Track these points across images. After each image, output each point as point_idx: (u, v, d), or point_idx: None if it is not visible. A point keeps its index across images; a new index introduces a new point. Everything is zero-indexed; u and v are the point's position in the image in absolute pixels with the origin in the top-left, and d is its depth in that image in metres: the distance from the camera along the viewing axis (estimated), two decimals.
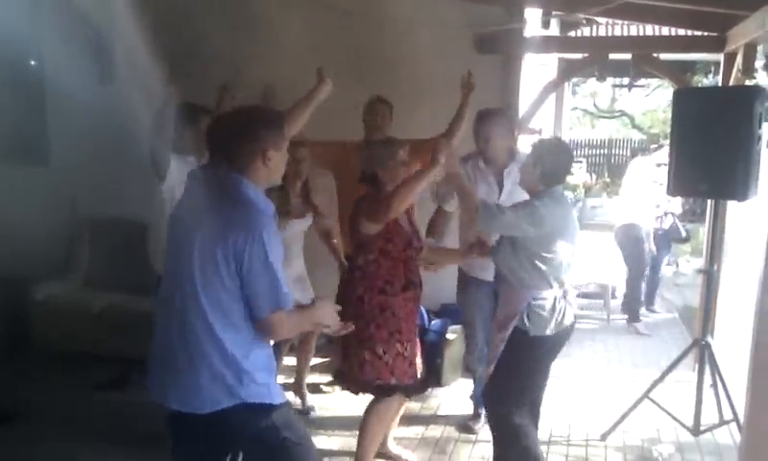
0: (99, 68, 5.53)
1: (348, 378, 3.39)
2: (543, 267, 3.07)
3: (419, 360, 3.39)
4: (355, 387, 3.40)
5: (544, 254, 3.05)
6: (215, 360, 2.19)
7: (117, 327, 4.87)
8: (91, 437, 3.81)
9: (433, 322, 4.96)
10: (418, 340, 3.42)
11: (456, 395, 4.68)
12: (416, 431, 4.16)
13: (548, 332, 3.10)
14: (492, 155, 3.84)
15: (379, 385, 3.29)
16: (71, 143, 5.62)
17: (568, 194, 12.80)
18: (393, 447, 3.77)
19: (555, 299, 3.10)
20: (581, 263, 7.56)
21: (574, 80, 13.73)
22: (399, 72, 5.21)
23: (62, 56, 5.45)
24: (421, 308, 4.39)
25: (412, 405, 4.46)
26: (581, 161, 14.67)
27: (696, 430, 3.94)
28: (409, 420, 4.27)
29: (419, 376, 3.38)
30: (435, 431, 4.19)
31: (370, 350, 3.24)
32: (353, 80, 5.22)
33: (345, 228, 3.91)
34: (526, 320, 3.08)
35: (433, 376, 4.62)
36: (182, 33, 5.03)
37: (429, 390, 4.48)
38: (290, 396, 4.30)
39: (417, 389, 3.46)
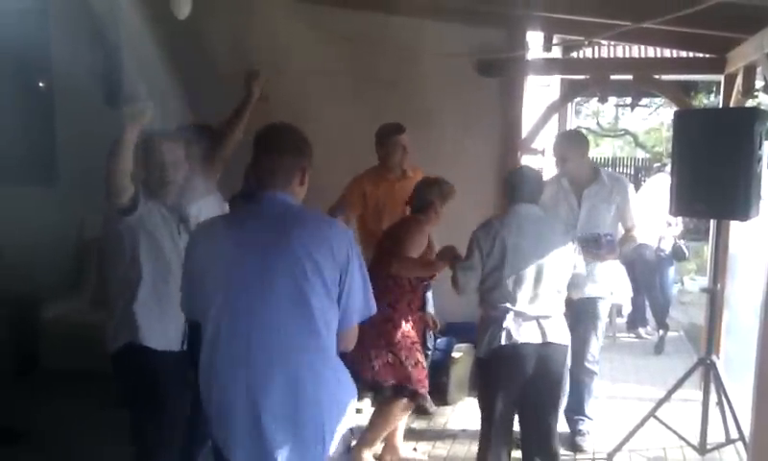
0: (108, 90, 5.61)
1: (363, 378, 3.51)
2: (483, 285, 3.19)
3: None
4: (369, 385, 3.60)
5: (484, 272, 3.16)
6: (321, 391, 2.09)
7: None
8: (101, 456, 3.83)
9: (438, 340, 4.98)
10: None
11: (462, 414, 4.69)
12: (423, 449, 4.17)
13: (481, 354, 3.19)
14: (570, 175, 4.03)
15: (394, 385, 3.54)
16: (80, 164, 5.67)
17: None
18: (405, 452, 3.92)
19: (492, 319, 3.14)
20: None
21: (577, 99, 13.82)
22: (401, 95, 5.26)
23: (72, 77, 5.54)
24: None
25: (418, 424, 4.50)
26: None
27: (702, 449, 3.94)
28: (416, 438, 4.30)
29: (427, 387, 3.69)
30: (441, 450, 4.20)
31: (394, 354, 3.52)
32: (354, 102, 5.32)
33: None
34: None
35: (439, 395, 4.68)
36: (193, 55, 5.12)
37: (435, 408, 4.53)
38: None
39: (423, 398, 3.76)
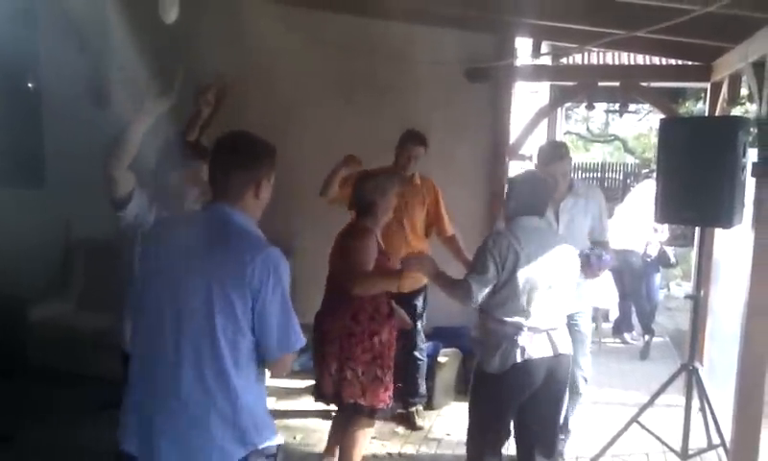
0: (95, 91, 5.60)
1: (324, 393, 3.51)
2: (493, 299, 3.07)
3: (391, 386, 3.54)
4: (329, 400, 3.54)
5: (496, 287, 3.04)
6: (227, 409, 2.04)
7: (112, 348, 4.89)
8: (87, 458, 3.82)
9: (424, 345, 4.99)
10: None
11: (447, 418, 4.71)
12: (408, 454, 4.19)
13: (493, 370, 3.07)
14: (555, 188, 3.74)
15: (352, 403, 3.43)
16: (67, 165, 5.68)
17: None
18: None
19: (504, 334, 3.05)
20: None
21: (567, 105, 13.89)
22: (390, 99, 5.30)
23: (59, 79, 5.53)
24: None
25: (403, 428, 4.51)
26: None
27: (684, 454, 3.97)
28: (401, 441, 4.31)
29: (389, 402, 3.53)
30: (426, 454, 4.22)
31: (352, 370, 3.39)
32: (345, 107, 5.34)
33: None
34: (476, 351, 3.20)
35: (425, 399, 4.70)
36: (180, 57, 5.11)
37: (423, 421, 4.55)
38: None
39: (385, 413, 3.59)
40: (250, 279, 2.00)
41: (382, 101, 5.35)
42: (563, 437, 4.12)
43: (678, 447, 3.98)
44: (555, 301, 3.11)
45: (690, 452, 3.96)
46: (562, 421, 3.71)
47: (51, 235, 5.80)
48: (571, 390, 3.85)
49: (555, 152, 3.91)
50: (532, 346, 3.04)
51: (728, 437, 3.68)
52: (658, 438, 4.03)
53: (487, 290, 3.04)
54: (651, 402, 4.03)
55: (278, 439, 2.20)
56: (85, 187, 5.60)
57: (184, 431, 2.05)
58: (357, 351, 3.39)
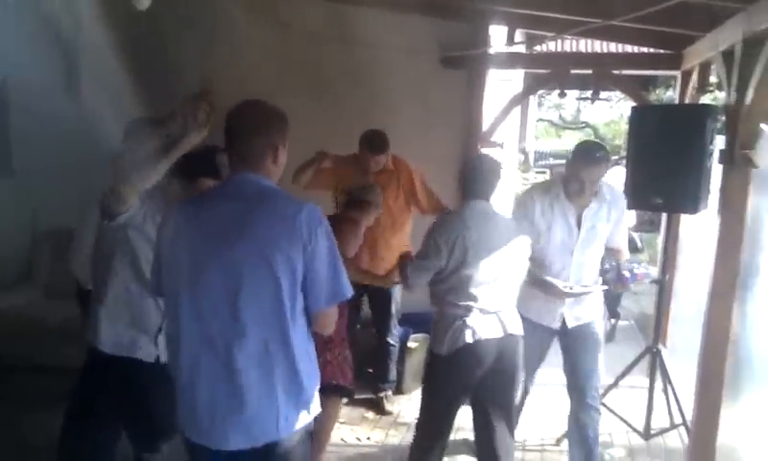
0: (64, 79, 5.49)
1: None
2: (443, 284, 3.13)
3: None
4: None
5: (445, 272, 3.10)
6: (289, 373, 2.08)
7: (79, 338, 4.82)
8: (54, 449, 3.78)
9: (397, 330, 5.02)
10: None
11: (417, 403, 4.74)
12: (376, 438, 4.23)
13: (443, 352, 3.11)
14: (581, 193, 3.48)
15: (335, 385, 3.45)
16: (35, 154, 5.56)
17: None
18: None
19: (454, 316, 3.09)
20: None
21: (540, 92, 13.99)
22: (364, 87, 5.29)
23: (27, 66, 5.40)
24: None
25: (373, 413, 4.55)
26: (545, 171, 14.94)
27: (647, 434, 4.08)
28: (370, 426, 4.35)
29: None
30: (395, 438, 4.26)
31: (330, 351, 3.39)
32: (321, 95, 5.31)
33: None
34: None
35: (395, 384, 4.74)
36: (150, 45, 5.05)
37: (393, 406, 4.61)
38: None
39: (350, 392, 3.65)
40: (299, 233, 2.03)
41: (356, 89, 5.33)
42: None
43: (641, 427, 4.10)
44: (505, 283, 3.15)
45: (653, 432, 4.08)
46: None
47: (19, 224, 5.72)
48: (582, 417, 3.69)
49: (590, 155, 3.46)
50: (481, 327, 3.08)
51: (689, 417, 3.79)
52: (621, 418, 4.13)
53: (427, 275, 3.13)
54: (615, 384, 4.12)
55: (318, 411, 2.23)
56: (54, 176, 5.56)
57: (248, 402, 2.05)
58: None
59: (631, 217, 6.60)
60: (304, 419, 2.14)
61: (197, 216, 2.14)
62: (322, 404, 3.57)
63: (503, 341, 3.13)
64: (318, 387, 2.20)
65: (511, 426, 3.31)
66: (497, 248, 3.10)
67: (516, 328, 3.20)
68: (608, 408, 4.12)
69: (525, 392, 3.88)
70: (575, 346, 3.60)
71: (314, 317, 2.15)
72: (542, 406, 4.73)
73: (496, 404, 3.23)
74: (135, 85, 3.71)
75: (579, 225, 3.49)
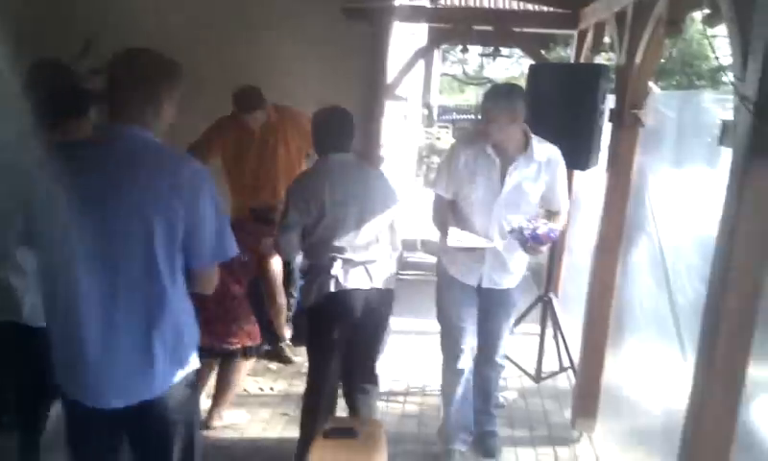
0: None
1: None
2: (308, 240, 3.14)
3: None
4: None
5: (309, 227, 3.12)
6: (167, 330, 2.01)
7: None
8: None
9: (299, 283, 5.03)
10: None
11: None
12: (279, 388, 4.28)
13: (311, 304, 3.15)
14: (496, 140, 3.21)
15: (244, 348, 3.65)
16: None
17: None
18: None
19: (320, 268, 3.12)
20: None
21: (444, 47, 14.11)
22: (262, 40, 5.17)
23: None
24: None
25: (276, 364, 4.58)
26: (448, 126, 15.17)
27: (538, 377, 4.32)
28: (273, 377, 4.38)
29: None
30: (298, 387, 4.30)
31: (235, 320, 3.58)
32: (217, 46, 5.14)
33: None
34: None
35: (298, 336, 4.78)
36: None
37: (297, 357, 4.64)
38: None
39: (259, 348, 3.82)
40: (181, 191, 1.96)
41: (255, 41, 5.20)
42: (494, 431, 3.73)
43: (533, 370, 4.33)
44: (370, 234, 3.15)
45: (543, 375, 4.32)
46: (486, 411, 3.69)
47: None
48: (488, 372, 3.66)
49: (498, 93, 3.23)
50: (346, 277, 3.08)
51: (577, 360, 4.04)
52: (515, 363, 4.34)
53: (294, 234, 3.12)
54: (510, 331, 4.31)
55: (197, 364, 2.18)
56: None
57: (123, 359, 1.99)
58: (234, 303, 3.55)
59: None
60: (181, 374, 2.08)
61: (75, 166, 1.97)
62: (233, 367, 3.67)
63: (370, 293, 3.13)
64: (197, 343, 2.16)
65: (372, 373, 3.38)
66: (359, 199, 3.10)
67: (386, 283, 3.20)
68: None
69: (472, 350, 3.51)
70: (488, 307, 3.47)
71: (196, 275, 2.11)
72: (425, 353, 4.91)
73: (359, 352, 3.29)
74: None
75: (503, 181, 3.23)
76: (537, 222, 3.14)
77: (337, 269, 3.07)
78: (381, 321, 3.29)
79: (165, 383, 2.04)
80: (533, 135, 3.25)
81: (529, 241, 3.11)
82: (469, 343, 3.45)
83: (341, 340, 3.18)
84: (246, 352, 3.67)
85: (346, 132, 3.18)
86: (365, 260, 3.13)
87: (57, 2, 5.05)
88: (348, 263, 3.09)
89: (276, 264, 3.58)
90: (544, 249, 3.26)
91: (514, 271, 3.42)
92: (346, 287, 3.08)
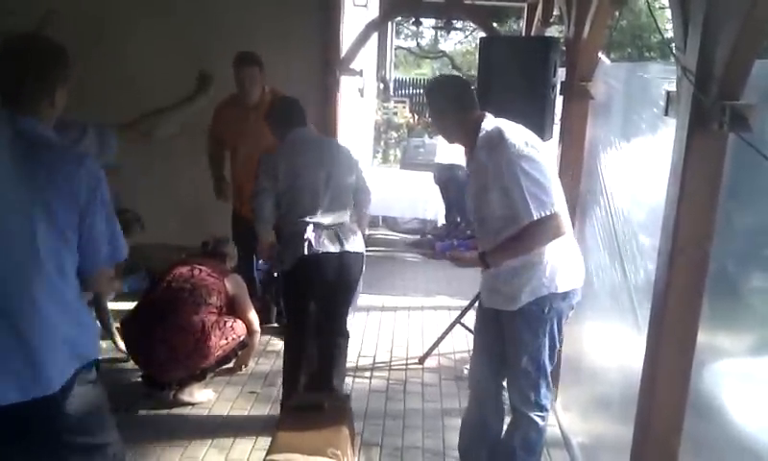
0: None
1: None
2: (281, 209, 3.43)
3: None
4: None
5: (279, 195, 3.41)
6: (61, 322, 1.94)
7: None
8: None
9: (260, 261, 5.02)
10: None
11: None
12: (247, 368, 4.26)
13: (287, 267, 3.41)
14: (447, 140, 2.95)
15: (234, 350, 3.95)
16: None
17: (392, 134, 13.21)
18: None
19: (293, 234, 3.35)
20: (402, 200, 8.00)
21: (398, 20, 14.01)
22: (215, 11, 5.08)
23: None
24: None
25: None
26: (404, 101, 15.12)
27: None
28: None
29: None
30: (264, 366, 4.31)
31: (220, 329, 3.81)
32: (163, 19, 5.03)
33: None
34: None
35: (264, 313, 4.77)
36: None
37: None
38: None
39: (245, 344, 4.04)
40: (77, 191, 1.89)
41: (205, 13, 5.11)
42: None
43: None
44: (338, 199, 3.42)
45: None
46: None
47: None
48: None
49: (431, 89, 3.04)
50: (318, 241, 3.32)
51: None
52: (471, 330, 4.39)
53: (267, 202, 3.40)
54: (471, 306, 4.36)
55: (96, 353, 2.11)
56: None
57: (16, 349, 1.89)
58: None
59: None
60: (72, 371, 1.98)
61: None
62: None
63: (342, 256, 3.38)
64: (94, 340, 2.11)
65: (345, 333, 3.63)
66: (324, 164, 3.39)
67: (356, 246, 3.44)
68: (466, 327, 4.36)
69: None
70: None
71: (91, 279, 2.05)
72: (409, 329, 4.96)
73: (335, 308, 3.54)
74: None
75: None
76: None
77: (309, 233, 3.29)
78: (352, 282, 3.50)
79: (54, 382, 1.93)
80: (488, 126, 2.66)
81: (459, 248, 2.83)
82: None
83: (316, 299, 3.43)
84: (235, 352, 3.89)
85: (297, 110, 3.50)
86: (334, 223, 3.38)
87: None
88: (319, 227, 3.33)
89: None
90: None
91: (504, 291, 2.72)
92: (318, 250, 3.30)
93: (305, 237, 3.28)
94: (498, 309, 2.75)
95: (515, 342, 2.72)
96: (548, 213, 2.47)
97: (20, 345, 1.89)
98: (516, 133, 2.59)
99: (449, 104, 2.73)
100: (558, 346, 2.79)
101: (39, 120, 1.95)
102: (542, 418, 2.77)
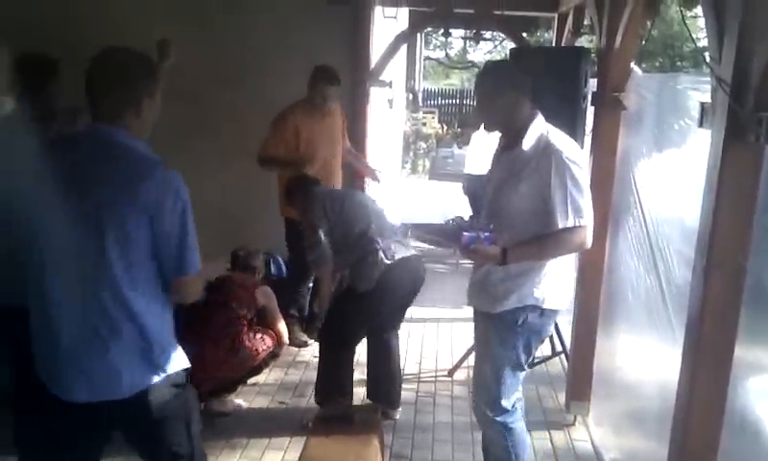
0: None
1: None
2: (346, 242, 3.64)
3: None
4: None
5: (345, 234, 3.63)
6: (132, 335, 1.99)
7: None
8: None
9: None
10: None
11: (315, 346, 4.82)
12: (275, 377, 4.27)
13: (370, 287, 3.54)
14: (488, 127, 2.79)
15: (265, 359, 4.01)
16: None
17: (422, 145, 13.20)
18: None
19: (364, 256, 3.54)
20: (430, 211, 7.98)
21: (426, 31, 14.04)
22: (244, 25, 5.14)
23: None
24: (279, 259, 4.90)
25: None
26: (433, 111, 15.12)
27: (530, 363, 4.31)
28: (280, 365, 4.38)
29: None
30: (294, 376, 4.32)
31: (249, 338, 3.88)
32: (198, 29, 5.10)
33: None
34: None
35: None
36: None
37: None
38: None
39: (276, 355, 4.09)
40: (144, 198, 1.93)
41: (238, 23, 5.17)
42: None
43: None
44: (379, 216, 3.71)
45: (536, 360, 4.29)
46: None
47: None
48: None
49: (480, 71, 2.87)
50: (390, 252, 3.53)
51: (569, 345, 4.05)
52: None
53: (326, 248, 3.63)
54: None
55: (185, 364, 2.17)
56: None
57: (92, 361, 1.99)
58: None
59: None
60: (153, 379, 2.05)
61: (54, 164, 1.99)
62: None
63: (415, 258, 3.66)
64: (172, 348, 2.13)
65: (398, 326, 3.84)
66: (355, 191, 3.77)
67: (410, 250, 3.69)
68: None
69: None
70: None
71: (172, 287, 2.08)
72: (437, 341, 4.93)
73: (400, 318, 3.83)
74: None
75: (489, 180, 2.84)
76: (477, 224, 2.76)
77: (381, 246, 3.52)
78: (419, 281, 3.72)
79: (134, 386, 2.01)
80: (539, 127, 2.59)
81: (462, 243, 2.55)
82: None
83: (398, 301, 3.67)
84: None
85: None
86: (390, 236, 3.63)
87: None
88: (383, 241, 3.56)
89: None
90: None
91: (491, 291, 2.67)
92: (396, 258, 3.53)
93: (379, 251, 3.49)
94: (478, 309, 2.77)
95: (480, 344, 2.81)
96: (581, 223, 2.47)
97: (96, 347, 1.98)
98: (566, 141, 2.59)
99: (504, 88, 2.60)
100: (523, 362, 2.76)
101: (125, 129, 2.01)
102: (503, 424, 2.78)
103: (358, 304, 3.59)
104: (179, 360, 2.14)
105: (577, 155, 2.57)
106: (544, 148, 2.52)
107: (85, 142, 2.03)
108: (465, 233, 2.52)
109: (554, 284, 2.61)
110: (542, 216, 2.50)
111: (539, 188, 2.49)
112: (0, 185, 1.97)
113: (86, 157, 1.98)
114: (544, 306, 2.61)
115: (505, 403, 2.76)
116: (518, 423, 2.84)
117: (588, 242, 2.53)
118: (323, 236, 3.62)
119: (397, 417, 3.84)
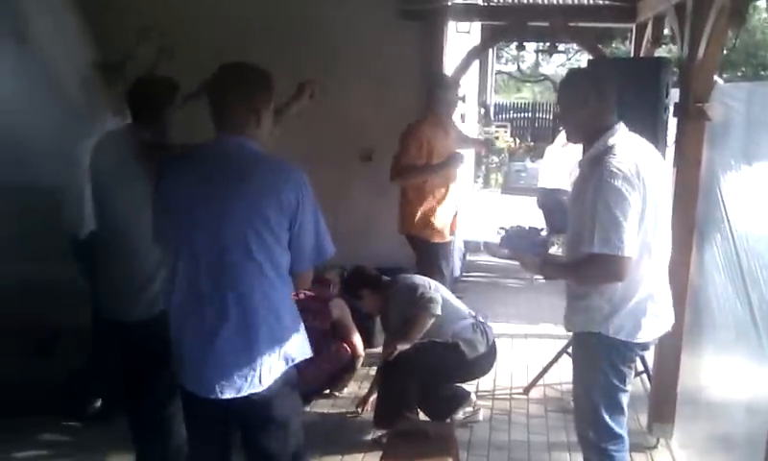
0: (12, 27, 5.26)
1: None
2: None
3: None
4: None
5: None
6: (273, 327, 2.15)
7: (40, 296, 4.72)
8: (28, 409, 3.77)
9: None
10: None
11: None
12: (349, 390, 4.31)
13: (482, 350, 3.76)
14: (570, 138, 2.79)
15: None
16: None
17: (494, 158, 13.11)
18: None
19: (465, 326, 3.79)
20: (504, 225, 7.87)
21: (498, 45, 13.95)
22: (319, 42, 5.21)
23: None
24: None
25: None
26: (505, 125, 14.99)
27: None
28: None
29: None
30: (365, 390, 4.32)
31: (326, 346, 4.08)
32: (276, 48, 5.20)
33: None
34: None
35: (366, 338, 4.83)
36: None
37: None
38: None
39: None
40: (285, 200, 2.08)
41: (312, 44, 5.26)
42: None
43: None
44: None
45: None
46: None
47: None
48: None
49: (564, 78, 2.84)
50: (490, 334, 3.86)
51: (651, 364, 3.92)
52: None
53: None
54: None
55: (308, 353, 2.30)
56: None
57: (230, 353, 2.12)
58: None
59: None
60: (284, 370, 2.20)
61: (188, 176, 2.18)
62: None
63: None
64: (300, 341, 2.27)
65: None
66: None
67: None
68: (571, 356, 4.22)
69: None
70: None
71: (296, 276, 2.23)
72: (512, 358, 4.86)
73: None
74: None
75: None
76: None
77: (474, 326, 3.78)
78: None
79: (270, 378, 2.15)
80: (608, 140, 2.45)
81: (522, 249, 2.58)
82: None
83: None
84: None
85: None
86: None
87: None
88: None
89: None
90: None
91: (566, 309, 2.68)
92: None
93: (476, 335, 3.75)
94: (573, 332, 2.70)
95: (574, 366, 2.71)
96: (609, 253, 2.28)
97: (240, 343, 2.12)
98: (625, 160, 2.35)
99: (589, 98, 2.48)
100: (617, 390, 2.54)
101: (249, 138, 2.17)
102: (605, 452, 2.56)
103: (446, 361, 3.68)
104: (304, 347, 2.28)
105: (626, 181, 2.30)
106: (596, 165, 2.37)
107: (216, 153, 2.17)
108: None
109: (621, 313, 2.44)
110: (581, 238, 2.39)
111: (583, 207, 2.38)
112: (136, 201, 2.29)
113: (221, 167, 2.13)
114: (610, 335, 2.45)
115: (606, 432, 2.57)
116: (620, 454, 2.61)
117: (623, 275, 2.32)
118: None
119: (480, 418, 3.93)
